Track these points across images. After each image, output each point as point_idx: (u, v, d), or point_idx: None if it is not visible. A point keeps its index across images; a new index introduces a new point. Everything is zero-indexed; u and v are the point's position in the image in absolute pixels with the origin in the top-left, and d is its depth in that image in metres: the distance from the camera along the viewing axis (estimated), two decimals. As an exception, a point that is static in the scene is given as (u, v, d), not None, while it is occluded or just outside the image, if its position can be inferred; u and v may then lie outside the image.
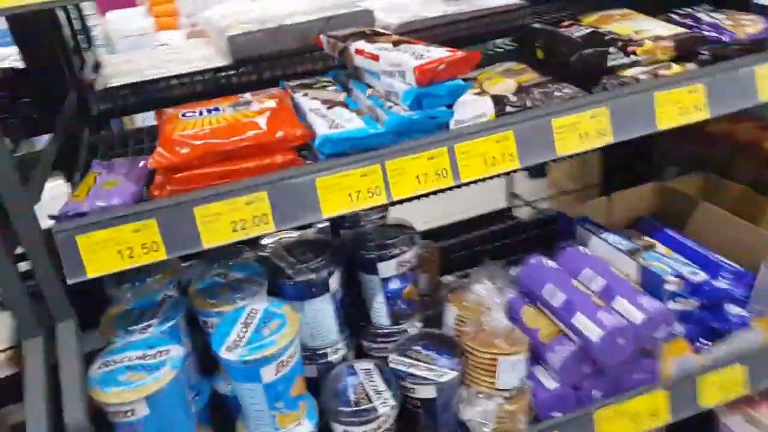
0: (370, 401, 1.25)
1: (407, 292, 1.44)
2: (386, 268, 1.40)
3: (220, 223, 1.07)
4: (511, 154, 1.24)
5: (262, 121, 1.13)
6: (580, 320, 1.37)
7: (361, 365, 1.35)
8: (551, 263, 1.57)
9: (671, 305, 1.45)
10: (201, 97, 1.59)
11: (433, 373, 1.31)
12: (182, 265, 1.41)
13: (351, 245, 1.44)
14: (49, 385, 0.99)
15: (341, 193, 1.13)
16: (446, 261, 2.04)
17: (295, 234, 1.57)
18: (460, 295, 1.48)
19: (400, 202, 1.25)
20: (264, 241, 1.59)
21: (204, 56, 1.84)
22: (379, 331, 1.47)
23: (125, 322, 1.20)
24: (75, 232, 0.99)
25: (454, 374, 1.31)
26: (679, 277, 1.52)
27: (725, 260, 1.58)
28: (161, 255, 1.05)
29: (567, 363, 1.37)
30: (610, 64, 1.39)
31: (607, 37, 1.44)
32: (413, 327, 1.48)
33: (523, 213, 2.95)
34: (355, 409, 1.24)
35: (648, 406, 1.42)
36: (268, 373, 1.13)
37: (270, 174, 1.09)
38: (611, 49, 1.40)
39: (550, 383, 1.41)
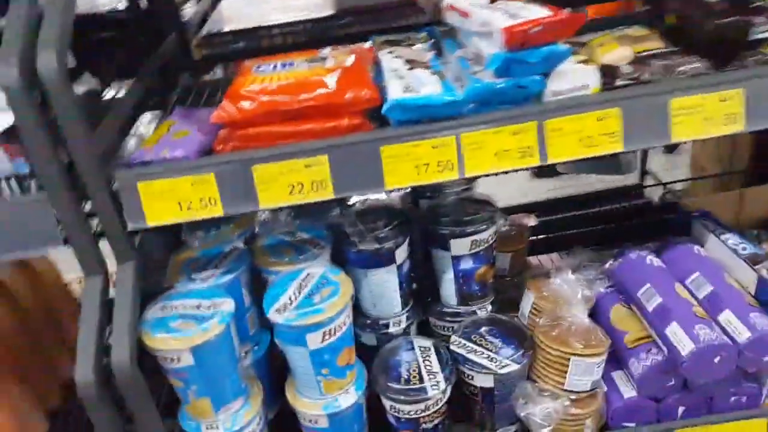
0: (422, 381, 1.20)
1: (480, 273, 1.35)
2: (459, 246, 1.31)
3: (277, 184, 1.05)
4: (614, 134, 1.10)
5: (332, 80, 1.07)
6: (673, 330, 1.22)
7: (420, 342, 1.30)
8: (655, 261, 1.40)
9: (790, 327, 1.24)
10: (299, 47, 1.57)
11: (492, 362, 1.23)
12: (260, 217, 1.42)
13: (426, 217, 1.37)
14: (102, 324, 1.03)
15: (408, 165, 1.06)
16: (547, 239, 1.92)
17: (382, 198, 1.53)
18: (540, 283, 1.36)
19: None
20: (351, 201, 1.56)
21: (314, 5, 1.81)
22: (446, 309, 1.40)
23: (191, 268, 1.23)
24: (135, 180, 1.01)
25: (515, 367, 1.22)
26: (806, 296, 1.30)
27: None
28: (218, 211, 1.05)
29: (649, 373, 1.24)
30: (753, 37, 1.18)
31: (753, 4, 1.22)
32: (483, 309, 1.39)
33: (658, 191, 2.70)
34: (404, 386, 1.20)
35: (741, 435, 1.26)
36: (314, 340, 1.11)
37: (332, 138, 1.04)
38: (757, 19, 1.18)
39: (628, 392, 1.28)
